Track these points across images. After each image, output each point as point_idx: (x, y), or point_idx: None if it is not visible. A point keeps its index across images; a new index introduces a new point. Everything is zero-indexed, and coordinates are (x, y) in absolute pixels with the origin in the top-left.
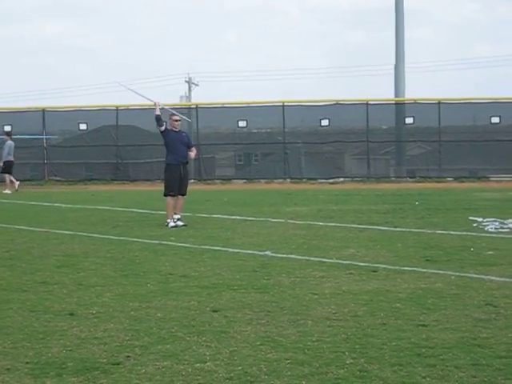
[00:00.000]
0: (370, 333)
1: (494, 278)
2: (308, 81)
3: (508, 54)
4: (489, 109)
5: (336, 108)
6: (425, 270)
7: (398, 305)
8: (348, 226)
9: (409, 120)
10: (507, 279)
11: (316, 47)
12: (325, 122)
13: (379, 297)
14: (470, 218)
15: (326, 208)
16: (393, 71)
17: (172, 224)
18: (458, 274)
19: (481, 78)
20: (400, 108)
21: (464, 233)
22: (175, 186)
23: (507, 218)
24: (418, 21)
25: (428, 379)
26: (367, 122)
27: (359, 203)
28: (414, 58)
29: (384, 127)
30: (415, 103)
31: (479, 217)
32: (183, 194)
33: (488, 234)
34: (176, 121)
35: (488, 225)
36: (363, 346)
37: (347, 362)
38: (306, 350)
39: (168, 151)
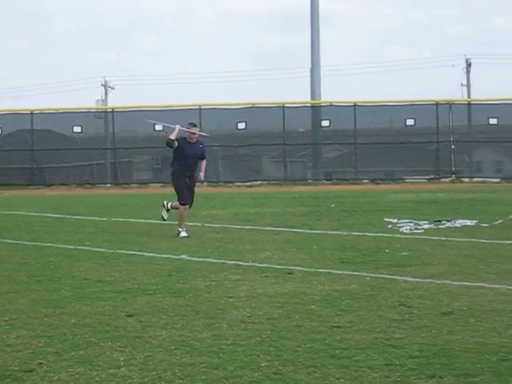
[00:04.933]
0: (285, 335)
1: (408, 278)
2: (225, 84)
3: (422, 58)
4: (404, 111)
5: (252, 111)
6: (340, 272)
7: (313, 307)
8: (264, 228)
9: (325, 123)
10: (421, 279)
11: (233, 51)
12: (241, 125)
13: (294, 299)
14: (385, 219)
15: (242, 211)
16: (309, 74)
17: (184, 234)
18: (372, 275)
19: (396, 81)
20: (316, 111)
21: (379, 234)
22: (186, 194)
23: (421, 219)
24: (333, 24)
25: (342, 380)
26: (283, 124)
27: (276, 206)
28: (330, 60)
29: (301, 130)
30: (331, 106)
31: (394, 218)
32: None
33: (403, 235)
34: (193, 133)
35: (403, 226)
36: (278, 349)
37: (262, 364)
38: (220, 354)
39: (174, 161)
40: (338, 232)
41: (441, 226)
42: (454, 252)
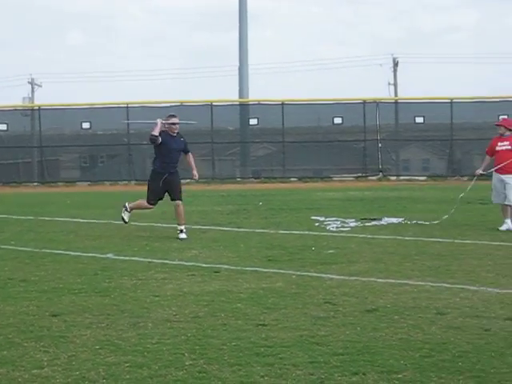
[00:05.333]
0: (210, 333)
1: (333, 276)
2: (153, 82)
3: (350, 57)
4: (332, 110)
5: (180, 109)
6: (266, 270)
7: (239, 305)
8: (192, 227)
9: (253, 121)
10: (346, 277)
11: (162, 48)
12: None
13: (220, 297)
14: (313, 217)
15: (169, 210)
16: (237, 72)
17: (126, 218)
18: (298, 273)
19: (325, 80)
20: (244, 109)
21: (306, 232)
22: (155, 197)
23: (348, 217)
24: (262, 22)
25: (266, 378)
26: (212, 123)
27: (204, 204)
28: (258, 59)
29: (230, 128)
30: (259, 104)
31: (321, 216)
32: (176, 199)
33: (329, 233)
34: (174, 124)
35: (329, 224)
36: (203, 347)
37: (187, 363)
38: (145, 353)
39: (158, 157)
40: (266, 230)
41: (367, 224)
42: (380, 250)
